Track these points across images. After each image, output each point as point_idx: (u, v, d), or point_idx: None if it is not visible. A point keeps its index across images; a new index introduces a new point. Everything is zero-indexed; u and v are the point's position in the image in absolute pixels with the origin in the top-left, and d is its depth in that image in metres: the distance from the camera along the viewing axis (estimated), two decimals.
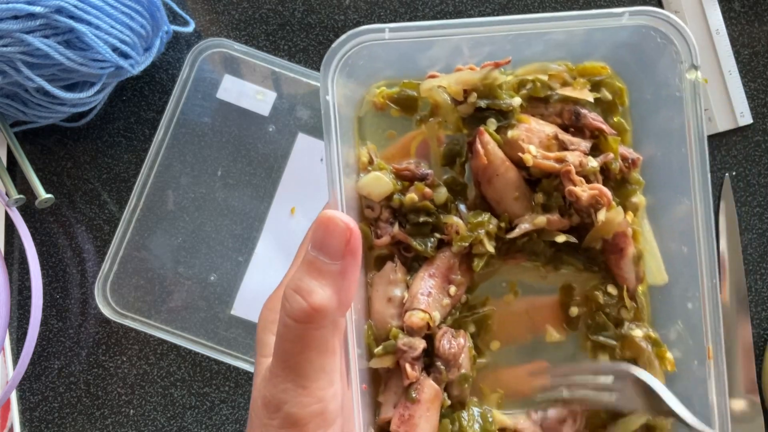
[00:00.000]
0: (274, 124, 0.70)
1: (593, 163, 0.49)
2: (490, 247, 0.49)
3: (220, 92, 0.70)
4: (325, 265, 0.42)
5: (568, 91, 0.51)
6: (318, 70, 0.70)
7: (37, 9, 0.58)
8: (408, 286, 0.50)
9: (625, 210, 0.50)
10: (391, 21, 0.71)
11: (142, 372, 0.70)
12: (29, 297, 0.65)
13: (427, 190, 0.50)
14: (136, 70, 0.66)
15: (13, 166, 0.70)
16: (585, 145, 0.50)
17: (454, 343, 0.48)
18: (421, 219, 0.50)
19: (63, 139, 0.71)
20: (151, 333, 0.68)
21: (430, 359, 0.49)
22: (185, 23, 0.71)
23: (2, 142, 0.70)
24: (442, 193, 0.50)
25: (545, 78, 0.51)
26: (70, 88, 0.64)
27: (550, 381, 0.51)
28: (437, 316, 0.49)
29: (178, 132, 0.69)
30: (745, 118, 0.68)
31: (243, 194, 0.69)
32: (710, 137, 0.68)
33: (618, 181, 0.51)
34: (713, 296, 0.47)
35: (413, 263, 0.51)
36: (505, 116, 0.50)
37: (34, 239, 0.67)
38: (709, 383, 0.47)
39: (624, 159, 0.51)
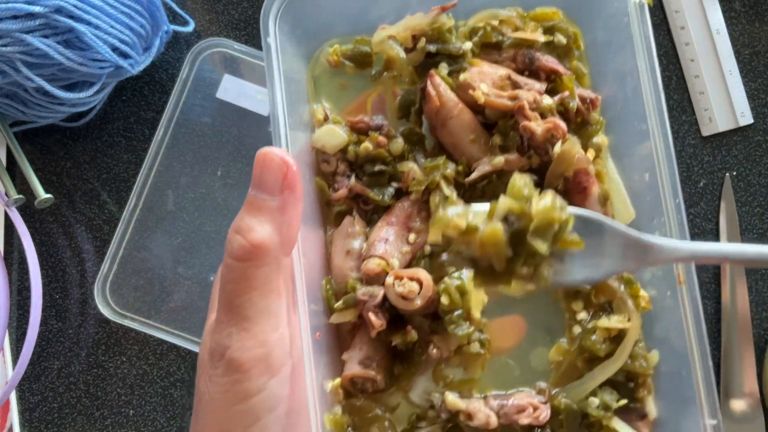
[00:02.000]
0: None
1: (548, 100, 0.49)
2: (448, 191, 0.48)
3: (219, 92, 0.70)
4: (264, 201, 0.41)
5: (520, 34, 0.51)
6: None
7: (37, 9, 0.58)
8: (367, 238, 0.49)
9: (587, 150, 0.50)
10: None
11: (142, 372, 0.69)
12: (29, 297, 0.65)
13: (382, 138, 0.50)
14: (136, 70, 0.66)
15: (12, 166, 0.70)
16: (539, 86, 0.50)
17: (407, 286, 0.46)
18: (377, 168, 0.49)
19: (62, 139, 0.71)
20: (151, 333, 0.68)
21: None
22: (185, 23, 0.71)
23: (2, 142, 0.70)
24: (399, 143, 0.50)
25: (496, 23, 0.51)
26: (70, 87, 0.64)
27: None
28: (395, 262, 0.48)
29: (177, 132, 0.69)
30: (746, 117, 0.68)
31: (243, 194, 0.69)
32: (711, 137, 0.68)
33: (578, 123, 0.50)
34: (678, 216, 0.46)
35: (373, 216, 0.50)
36: (456, 61, 0.50)
37: (33, 239, 0.67)
38: (682, 311, 0.46)
39: (583, 100, 0.50)
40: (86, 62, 0.62)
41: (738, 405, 0.65)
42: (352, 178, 0.50)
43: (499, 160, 0.48)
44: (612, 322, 0.48)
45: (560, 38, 0.51)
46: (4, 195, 0.68)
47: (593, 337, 0.48)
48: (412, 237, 0.49)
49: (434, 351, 0.47)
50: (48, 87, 0.62)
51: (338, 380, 0.48)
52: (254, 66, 0.69)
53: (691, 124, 0.68)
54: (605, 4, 0.50)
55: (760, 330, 0.67)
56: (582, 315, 0.50)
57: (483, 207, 0.43)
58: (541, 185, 0.48)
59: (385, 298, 0.47)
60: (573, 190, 0.49)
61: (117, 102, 0.71)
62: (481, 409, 0.47)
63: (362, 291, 0.47)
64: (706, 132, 0.68)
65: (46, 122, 0.69)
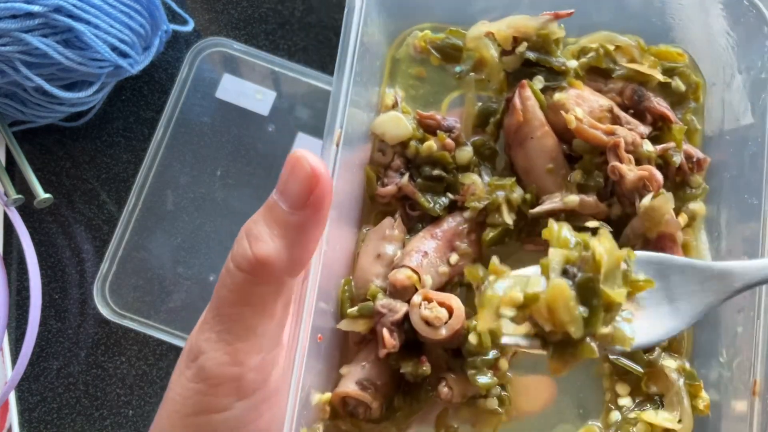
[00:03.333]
0: (273, 123, 0.69)
1: (649, 147, 0.42)
2: (508, 218, 0.42)
3: (219, 92, 0.70)
4: (283, 213, 0.36)
5: (636, 66, 0.44)
6: (318, 69, 0.70)
7: (36, 8, 0.58)
8: (404, 246, 0.43)
9: (680, 215, 0.43)
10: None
11: (141, 372, 0.69)
12: (28, 297, 0.65)
13: (449, 141, 0.44)
14: (135, 70, 0.65)
15: (11, 166, 0.70)
16: (643, 129, 0.43)
17: (435, 311, 0.40)
18: (435, 172, 0.43)
19: (62, 138, 0.71)
20: (150, 333, 0.68)
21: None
22: (184, 22, 0.71)
23: (1, 141, 0.70)
24: (467, 152, 0.44)
25: (611, 48, 0.44)
26: (69, 87, 0.64)
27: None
28: (428, 280, 0.41)
29: (177, 132, 0.69)
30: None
31: (242, 194, 0.69)
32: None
33: (677, 183, 0.43)
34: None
35: (417, 224, 0.44)
36: (555, 77, 0.43)
37: (32, 239, 0.67)
38: (749, 426, 0.39)
39: (688, 157, 0.43)
40: (85, 62, 0.61)
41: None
42: (405, 177, 0.44)
43: (573, 199, 0.42)
44: (659, 418, 0.41)
45: (679, 84, 0.45)
46: (3, 195, 0.67)
47: (633, 431, 0.41)
48: (453, 258, 0.43)
49: (445, 390, 0.41)
50: (47, 86, 0.62)
51: (328, 395, 0.41)
52: (254, 65, 0.69)
53: None
54: (743, 64, 0.44)
55: None
56: (625, 401, 0.42)
57: (529, 271, 0.37)
58: (615, 238, 0.39)
59: (406, 316, 0.40)
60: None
61: (116, 102, 0.71)
62: None
63: (382, 302, 0.41)
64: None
65: (46, 122, 0.69)
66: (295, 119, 0.69)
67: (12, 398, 0.69)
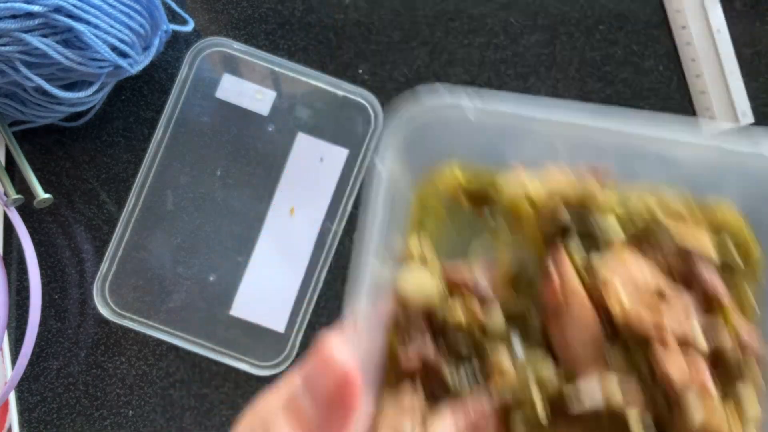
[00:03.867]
0: (273, 123, 0.69)
1: (701, 341, 0.36)
2: (540, 410, 0.37)
3: (219, 92, 0.70)
4: (304, 411, 0.32)
5: (687, 240, 0.37)
6: (318, 69, 0.70)
7: (36, 8, 0.58)
8: (423, 421, 0.38)
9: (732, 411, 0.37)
10: (396, 25, 0.70)
11: (141, 373, 0.69)
12: (27, 297, 0.65)
13: (479, 313, 0.39)
14: (135, 70, 0.65)
15: (11, 166, 0.70)
16: (687, 300, 0.37)
17: None
18: (464, 351, 0.38)
19: (61, 138, 0.71)
20: (150, 333, 0.68)
21: None
22: (184, 22, 0.71)
23: (0, 141, 0.70)
24: (498, 321, 0.39)
25: (662, 217, 0.38)
26: (69, 87, 0.64)
27: None
28: None
29: (177, 132, 0.69)
30: (747, 117, 0.68)
31: (242, 194, 0.69)
32: None
33: (728, 376, 0.37)
34: None
35: (441, 392, 0.39)
36: (596, 244, 0.38)
37: (32, 239, 0.67)
38: None
39: (741, 347, 0.37)
40: (85, 62, 0.61)
41: None
42: (428, 341, 0.39)
43: (617, 398, 0.35)
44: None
45: (734, 256, 0.38)
46: (2, 195, 0.67)
47: None
48: None
49: None
50: (47, 86, 0.62)
51: None
52: (254, 65, 0.69)
53: None
54: None
55: None
56: None
57: None
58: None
59: None
60: None
61: (116, 102, 0.71)
62: None
63: None
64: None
65: (45, 122, 0.69)
66: (295, 119, 0.69)
67: (12, 398, 0.69)
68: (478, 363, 0.39)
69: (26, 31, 0.59)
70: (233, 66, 0.70)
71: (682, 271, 0.38)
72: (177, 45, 0.72)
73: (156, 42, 0.67)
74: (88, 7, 0.60)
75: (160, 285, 0.68)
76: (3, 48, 0.59)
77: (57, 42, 0.60)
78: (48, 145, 0.71)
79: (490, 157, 0.41)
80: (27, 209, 0.70)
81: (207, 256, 0.69)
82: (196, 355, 0.69)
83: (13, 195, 0.67)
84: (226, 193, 0.69)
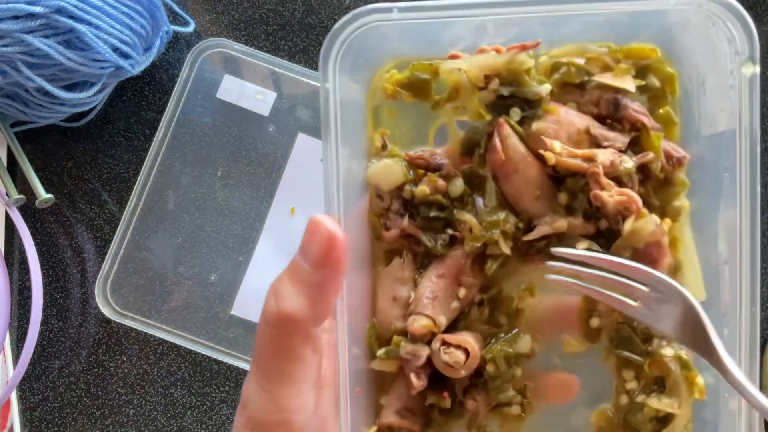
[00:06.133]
0: (274, 124, 0.70)
1: (628, 163, 0.43)
2: (505, 249, 0.44)
3: (220, 92, 0.70)
4: (305, 272, 0.40)
5: (606, 79, 0.44)
6: (318, 70, 0.70)
7: (37, 9, 0.58)
8: (416, 285, 0.46)
9: (666, 214, 0.44)
10: None
11: (143, 372, 0.70)
12: (29, 297, 0.65)
13: (441, 182, 0.45)
14: (136, 70, 0.66)
15: (13, 166, 0.70)
16: (622, 140, 0.44)
17: (453, 356, 0.44)
18: (432, 214, 0.46)
19: (63, 139, 0.71)
20: (152, 333, 0.68)
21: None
22: (185, 23, 0.71)
23: (2, 142, 0.70)
24: (458, 186, 0.46)
25: (582, 62, 0.45)
26: (71, 88, 0.64)
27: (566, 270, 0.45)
28: (443, 320, 0.45)
29: (178, 132, 0.69)
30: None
31: (243, 194, 0.69)
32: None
33: (660, 182, 0.44)
34: (751, 326, 0.42)
35: (424, 259, 0.47)
36: (531, 105, 0.44)
37: (34, 239, 0.67)
38: (738, 421, 0.42)
39: (668, 157, 0.44)
40: (87, 62, 0.62)
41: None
42: (406, 218, 0.46)
43: (562, 224, 0.44)
44: (662, 404, 0.44)
45: (653, 81, 0.45)
46: (4, 195, 0.68)
47: (639, 416, 0.44)
48: (462, 292, 0.45)
49: (471, 402, 0.45)
50: (49, 87, 0.62)
51: (374, 428, 0.46)
52: (255, 66, 0.70)
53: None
54: (710, 55, 0.43)
55: (760, 330, 0.67)
56: (632, 385, 0.45)
57: None
58: (607, 247, 0.44)
59: (429, 358, 0.45)
60: (641, 260, 0.44)
61: (117, 102, 0.71)
62: None
63: (406, 350, 0.45)
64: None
65: (47, 122, 0.69)
66: (295, 120, 0.70)
67: (13, 397, 0.70)
68: (450, 229, 0.46)
69: (28, 32, 0.59)
70: (234, 67, 0.70)
71: (610, 114, 0.45)
72: (178, 46, 0.72)
73: (157, 43, 0.68)
74: (89, 8, 0.60)
75: (161, 284, 0.69)
76: (5, 49, 0.59)
77: (58, 43, 0.60)
78: (50, 145, 0.72)
79: (430, 47, 0.46)
80: (29, 209, 0.70)
81: (208, 256, 0.69)
82: (197, 354, 0.69)
83: (15, 195, 0.67)
84: (227, 193, 0.70)
